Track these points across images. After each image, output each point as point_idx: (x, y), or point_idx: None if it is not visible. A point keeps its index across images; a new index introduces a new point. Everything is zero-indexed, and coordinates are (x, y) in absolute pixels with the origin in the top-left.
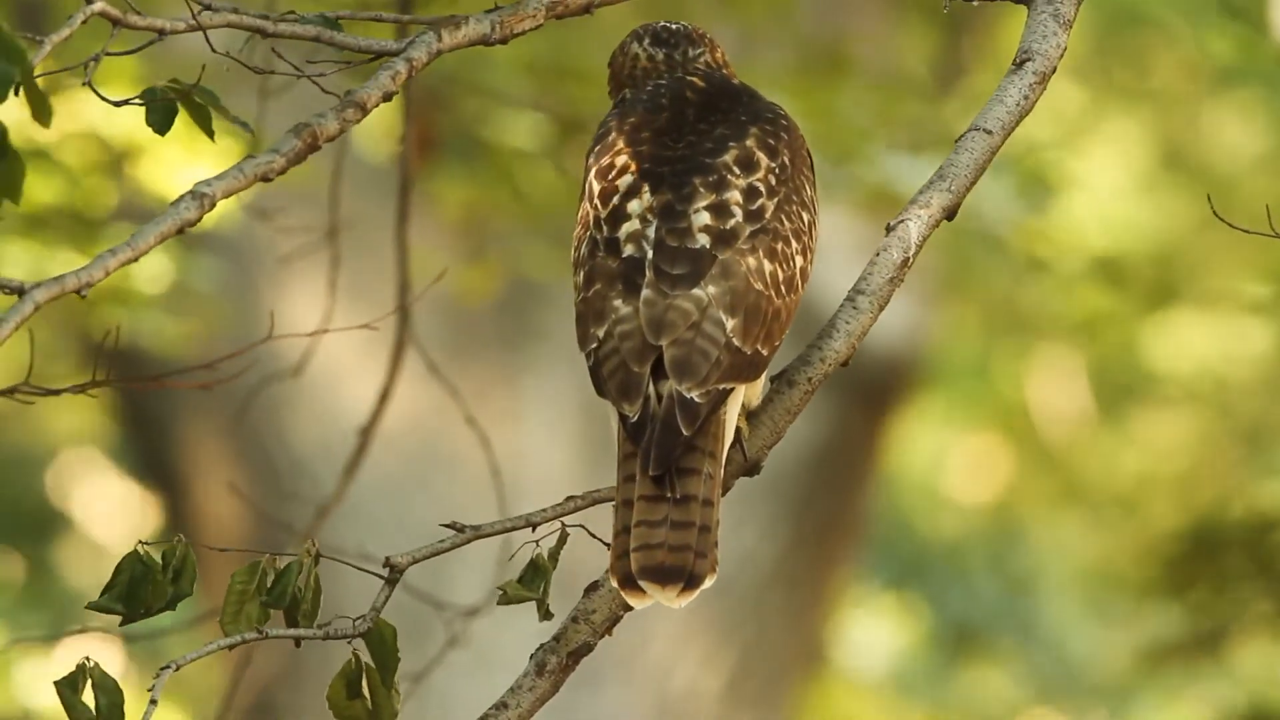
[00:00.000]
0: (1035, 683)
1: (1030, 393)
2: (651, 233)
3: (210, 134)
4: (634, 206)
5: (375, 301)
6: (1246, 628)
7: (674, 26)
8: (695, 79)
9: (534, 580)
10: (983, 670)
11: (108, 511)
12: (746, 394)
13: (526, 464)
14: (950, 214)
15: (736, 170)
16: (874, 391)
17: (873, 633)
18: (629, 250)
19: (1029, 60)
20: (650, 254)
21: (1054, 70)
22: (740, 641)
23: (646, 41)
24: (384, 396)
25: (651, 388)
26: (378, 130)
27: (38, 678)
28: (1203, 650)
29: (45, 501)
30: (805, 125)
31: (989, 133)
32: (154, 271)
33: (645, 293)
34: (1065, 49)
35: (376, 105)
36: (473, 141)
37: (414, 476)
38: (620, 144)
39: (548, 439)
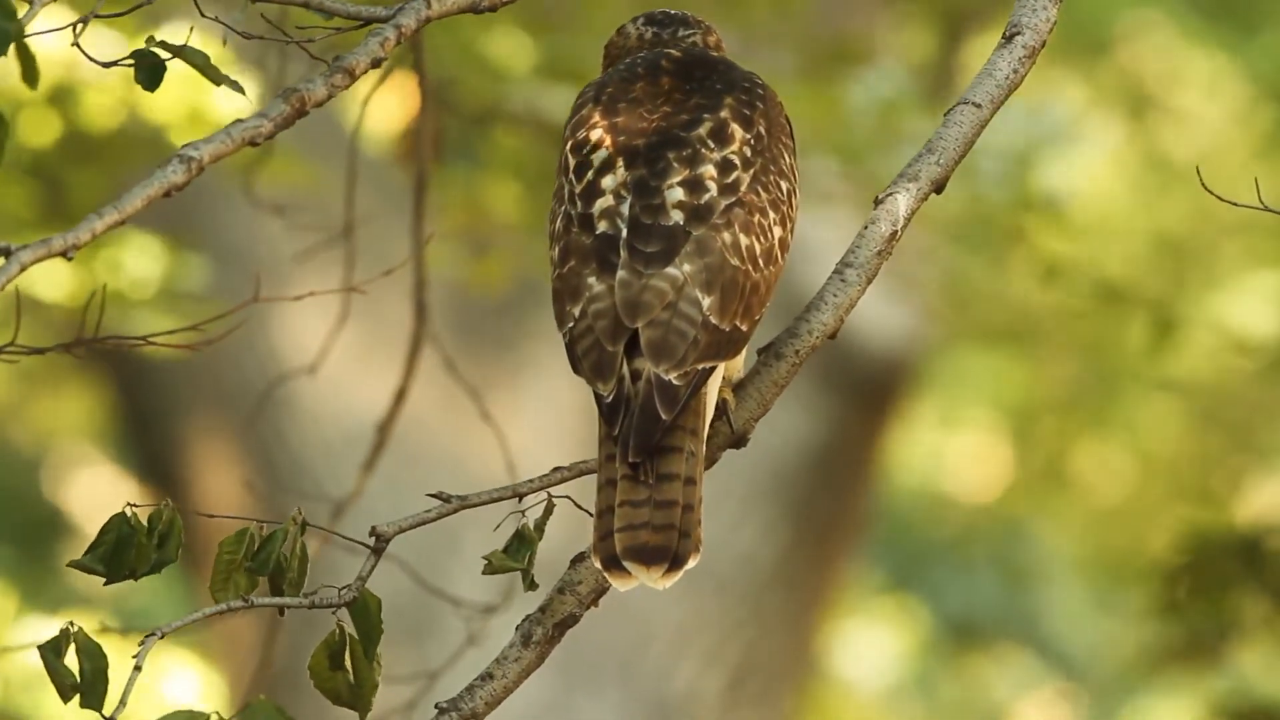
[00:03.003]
0: (1037, 678)
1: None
2: (625, 209)
3: (216, 80)
4: (608, 182)
5: (385, 302)
6: (1244, 633)
7: (672, 11)
8: (673, 50)
9: (519, 551)
10: (983, 668)
11: (107, 510)
12: (727, 369)
13: (526, 463)
14: (939, 187)
15: (711, 144)
16: (874, 391)
17: (873, 633)
18: (602, 227)
19: (1018, 34)
20: (624, 231)
21: (1044, 44)
22: (740, 642)
23: (640, 21)
24: (401, 393)
25: (626, 367)
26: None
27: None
28: (1201, 655)
29: (44, 500)
30: (809, 122)
31: (977, 106)
32: (144, 276)
33: (620, 273)
34: (1055, 23)
35: (365, 71)
36: (479, 135)
37: (419, 474)
38: (595, 117)
39: (547, 438)
